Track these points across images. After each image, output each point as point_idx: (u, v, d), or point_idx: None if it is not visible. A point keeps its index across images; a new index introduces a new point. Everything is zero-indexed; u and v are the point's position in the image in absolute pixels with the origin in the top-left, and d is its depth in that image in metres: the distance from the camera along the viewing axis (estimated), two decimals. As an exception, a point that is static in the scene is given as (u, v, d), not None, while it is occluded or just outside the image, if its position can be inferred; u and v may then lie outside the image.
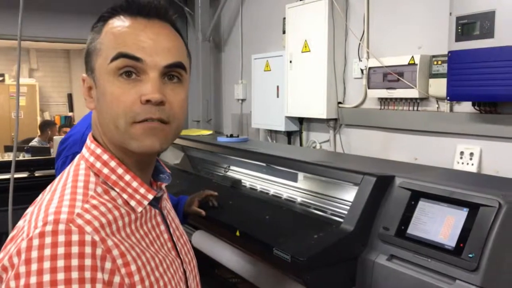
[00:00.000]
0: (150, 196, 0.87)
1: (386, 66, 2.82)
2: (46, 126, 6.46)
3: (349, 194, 1.79)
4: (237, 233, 1.81)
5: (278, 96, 3.68)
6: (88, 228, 0.73)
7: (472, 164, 2.46)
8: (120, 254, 0.76)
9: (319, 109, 3.25)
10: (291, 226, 1.76)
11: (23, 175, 3.80)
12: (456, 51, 2.30)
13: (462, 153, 2.52)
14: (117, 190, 0.83)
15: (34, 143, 6.11)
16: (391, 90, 2.81)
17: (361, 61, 3.10)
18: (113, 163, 0.85)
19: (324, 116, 3.23)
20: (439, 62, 2.59)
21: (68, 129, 5.29)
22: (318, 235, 1.60)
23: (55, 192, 0.80)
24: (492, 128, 2.34)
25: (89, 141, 0.89)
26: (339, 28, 3.18)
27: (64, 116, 9.45)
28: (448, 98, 2.37)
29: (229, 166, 2.59)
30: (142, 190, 0.85)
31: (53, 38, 4.99)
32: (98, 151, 0.86)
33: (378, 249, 1.58)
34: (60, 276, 0.68)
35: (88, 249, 0.71)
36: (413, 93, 2.68)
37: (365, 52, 3.06)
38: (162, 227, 0.91)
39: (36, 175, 3.84)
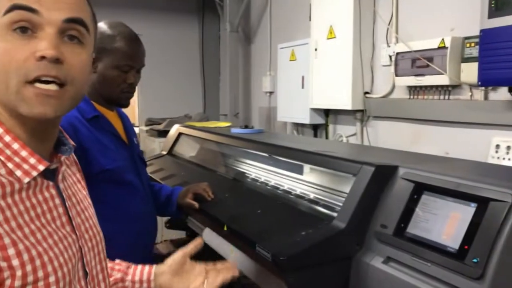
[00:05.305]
0: (41, 167, 0.80)
1: (414, 51, 2.55)
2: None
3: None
4: (225, 228, 1.65)
5: (303, 87, 3.47)
6: None
7: (509, 159, 2.16)
8: None
9: (344, 100, 3.02)
10: (282, 221, 1.57)
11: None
12: (489, 29, 2.02)
13: (498, 146, 2.22)
14: (2, 158, 0.76)
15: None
16: (419, 77, 2.54)
17: (389, 46, 2.85)
18: None
19: (349, 107, 3.00)
20: (473, 44, 2.30)
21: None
22: (307, 231, 1.40)
23: None
24: (533, 118, 2.05)
25: None
26: (366, 12, 2.94)
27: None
28: (479, 83, 2.09)
29: (232, 157, 2.43)
30: (32, 160, 0.79)
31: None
32: None
33: (374, 249, 1.35)
34: None
35: None
36: (443, 79, 2.40)
37: (393, 37, 2.80)
38: (57, 201, 0.84)
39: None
